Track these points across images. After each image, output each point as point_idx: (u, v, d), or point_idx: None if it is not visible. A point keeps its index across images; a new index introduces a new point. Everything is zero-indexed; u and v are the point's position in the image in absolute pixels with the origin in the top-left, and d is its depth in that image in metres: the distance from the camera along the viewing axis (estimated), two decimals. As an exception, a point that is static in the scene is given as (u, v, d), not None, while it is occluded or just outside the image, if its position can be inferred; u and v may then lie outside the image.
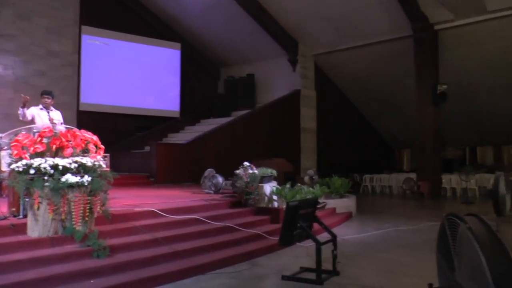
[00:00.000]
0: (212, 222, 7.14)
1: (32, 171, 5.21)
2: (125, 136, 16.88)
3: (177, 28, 19.35)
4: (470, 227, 2.42)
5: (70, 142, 5.57)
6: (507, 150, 20.30)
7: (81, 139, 5.71)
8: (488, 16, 14.62)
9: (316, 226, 6.33)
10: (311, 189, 9.31)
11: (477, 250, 2.24)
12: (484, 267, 2.15)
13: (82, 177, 5.33)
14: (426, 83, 16.06)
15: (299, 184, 9.38)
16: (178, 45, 19.12)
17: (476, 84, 16.98)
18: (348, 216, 10.78)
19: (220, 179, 10.23)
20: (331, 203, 10.69)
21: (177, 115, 18.91)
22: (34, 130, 6.31)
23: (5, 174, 6.66)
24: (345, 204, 11.26)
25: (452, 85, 15.93)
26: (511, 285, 2.11)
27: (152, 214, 6.83)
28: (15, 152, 5.36)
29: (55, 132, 5.63)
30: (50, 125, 6.94)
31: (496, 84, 16.51)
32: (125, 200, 7.77)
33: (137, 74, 17.84)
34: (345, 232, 8.77)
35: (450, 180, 17.24)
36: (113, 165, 7.07)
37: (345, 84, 20.60)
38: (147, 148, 15.51)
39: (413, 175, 17.38)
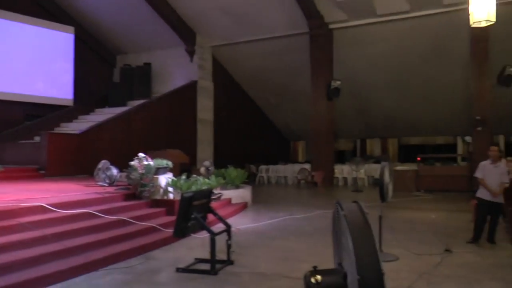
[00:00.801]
0: (105, 216, 6.89)
1: None
2: (12, 125, 15.54)
3: (71, 11, 18.19)
4: (345, 214, 2.60)
5: None
6: (392, 142, 22.13)
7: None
8: (378, 19, 15.75)
9: (211, 217, 6.39)
10: (206, 180, 9.35)
11: (348, 234, 2.43)
12: (351, 249, 2.34)
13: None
14: (321, 79, 16.90)
15: (195, 176, 9.38)
16: (72, 28, 17.98)
17: (366, 81, 18.24)
18: (243, 207, 11.01)
19: (114, 171, 9.86)
20: (227, 193, 10.84)
21: (71, 103, 17.82)
22: None
23: None
24: (241, 194, 11.48)
25: (345, 81, 16.94)
26: (372, 265, 2.33)
27: (41, 209, 6.40)
28: None
29: None
30: None
31: (383, 82, 17.90)
32: (10, 195, 7.25)
33: (26, 58, 16.47)
34: (240, 222, 8.96)
35: (342, 170, 18.38)
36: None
37: (243, 77, 20.94)
38: (37, 139, 14.42)
39: (307, 166, 18.24)
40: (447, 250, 6.68)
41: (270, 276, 5.44)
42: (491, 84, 14.81)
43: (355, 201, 2.82)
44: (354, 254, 2.30)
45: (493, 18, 6.55)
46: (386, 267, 5.86)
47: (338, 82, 16.70)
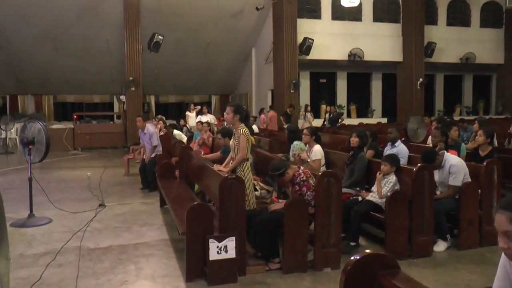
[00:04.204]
0: None
1: None
2: None
3: None
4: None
5: None
6: (47, 100, 20.95)
7: None
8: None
9: None
10: None
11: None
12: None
13: None
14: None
15: None
16: None
17: (15, 33, 16.41)
18: None
19: None
20: None
21: None
22: None
23: None
24: None
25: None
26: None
27: None
28: None
29: None
30: None
31: (35, 35, 16.48)
32: None
33: None
34: None
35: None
36: None
37: None
38: None
39: None
40: (101, 205, 7.03)
41: None
42: (142, 48, 15.96)
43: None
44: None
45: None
46: (38, 231, 5.75)
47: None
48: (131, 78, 15.66)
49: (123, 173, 10.32)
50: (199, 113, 14.33)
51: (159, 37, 15.79)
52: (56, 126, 16.85)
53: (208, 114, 13.42)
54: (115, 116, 19.53)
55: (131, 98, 15.97)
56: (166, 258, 4.75)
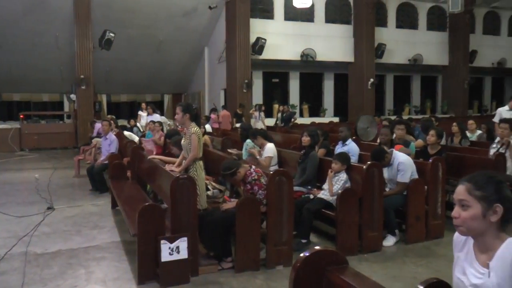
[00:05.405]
0: None
1: None
2: None
3: None
4: None
5: None
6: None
7: None
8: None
9: None
10: None
11: None
12: None
13: None
14: None
15: None
16: None
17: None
18: None
19: None
20: None
21: None
22: None
23: None
24: None
25: None
26: None
27: None
28: None
29: None
30: None
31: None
32: None
33: None
34: None
35: None
36: None
37: None
38: None
39: None
40: (49, 208, 6.78)
41: None
42: (93, 46, 15.51)
43: None
44: None
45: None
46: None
47: None
48: (81, 76, 15.18)
49: (73, 175, 10.01)
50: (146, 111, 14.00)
51: (111, 34, 15.41)
52: (0, 126, 16.09)
53: (154, 114, 13.26)
54: (65, 115, 18.88)
55: (82, 97, 15.49)
56: (118, 261, 4.65)
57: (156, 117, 12.30)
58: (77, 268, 4.44)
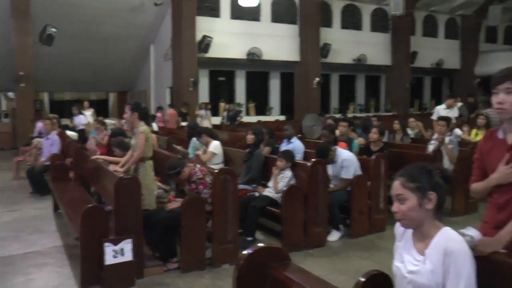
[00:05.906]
0: None
1: None
2: None
3: None
4: None
5: None
6: None
7: None
8: None
9: None
10: None
11: None
12: None
13: None
14: None
15: None
16: None
17: None
18: None
19: None
20: None
21: None
22: None
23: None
24: None
25: None
26: None
27: None
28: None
29: None
30: None
31: None
32: None
33: None
34: None
35: None
36: None
37: None
38: None
39: None
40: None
41: None
42: (34, 41, 14.81)
43: None
44: None
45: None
46: None
47: None
48: (21, 73, 14.42)
49: (11, 177, 9.53)
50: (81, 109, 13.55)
51: (52, 29, 14.76)
52: None
53: (90, 109, 12.98)
54: (2, 114, 17.94)
55: (21, 95, 14.74)
56: (60, 266, 4.48)
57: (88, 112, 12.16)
58: (15, 276, 4.24)
